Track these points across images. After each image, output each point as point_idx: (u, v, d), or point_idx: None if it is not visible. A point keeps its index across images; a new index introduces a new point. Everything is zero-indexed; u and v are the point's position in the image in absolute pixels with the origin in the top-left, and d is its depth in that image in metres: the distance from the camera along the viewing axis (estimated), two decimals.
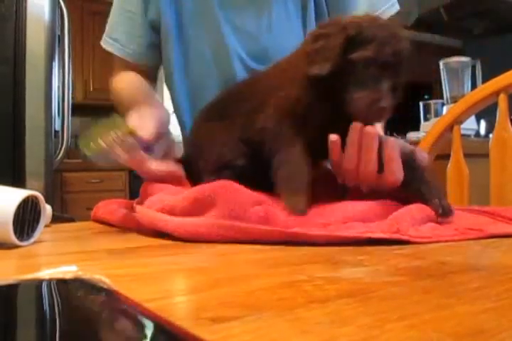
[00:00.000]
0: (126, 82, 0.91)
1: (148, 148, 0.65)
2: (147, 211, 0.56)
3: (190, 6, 0.86)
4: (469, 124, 1.90)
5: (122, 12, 0.91)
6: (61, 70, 1.61)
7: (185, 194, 0.56)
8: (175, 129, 0.84)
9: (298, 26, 0.85)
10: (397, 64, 0.56)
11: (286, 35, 0.84)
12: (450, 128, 0.95)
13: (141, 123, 0.66)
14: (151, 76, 0.93)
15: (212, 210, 0.52)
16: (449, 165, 0.97)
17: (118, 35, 0.91)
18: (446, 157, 0.99)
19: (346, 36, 0.55)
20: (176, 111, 0.88)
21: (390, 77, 0.56)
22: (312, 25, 0.84)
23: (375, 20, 0.58)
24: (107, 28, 0.94)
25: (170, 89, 0.91)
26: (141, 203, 0.62)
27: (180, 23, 0.87)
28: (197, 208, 0.53)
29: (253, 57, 0.84)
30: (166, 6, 0.86)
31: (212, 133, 0.68)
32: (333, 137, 0.57)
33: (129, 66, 0.92)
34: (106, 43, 0.93)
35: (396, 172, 0.57)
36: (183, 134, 0.94)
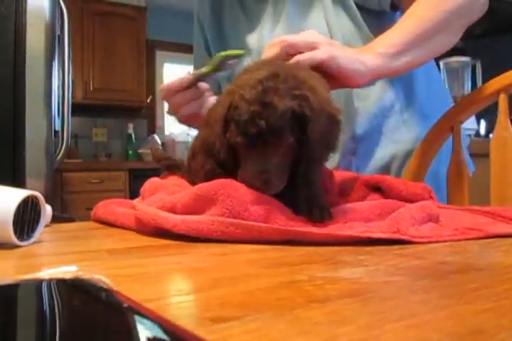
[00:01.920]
0: None
1: None
2: (147, 208, 0.57)
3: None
4: (469, 124, 1.89)
5: (194, 47, 1.08)
6: (61, 70, 1.61)
7: (185, 192, 0.56)
8: None
9: (317, 10, 0.91)
10: (267, 138, 0.52)
11: (305, 19, 0.91)
12: (450, 128, 0.95)
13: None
14: None
15: (213, 208, 0.52)
16: (449, 165, 0.97)
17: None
18: None
19: (223, 117, 0.55)
20: None
21: (261, 152, 0.53)
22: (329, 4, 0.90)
23: (255, 86, 0.52)
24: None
25: None
26: (141, 202, 0.62)
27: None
28: (197, 206, 0.54)
29: None
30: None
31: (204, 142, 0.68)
32: None
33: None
34: None
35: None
36: None
